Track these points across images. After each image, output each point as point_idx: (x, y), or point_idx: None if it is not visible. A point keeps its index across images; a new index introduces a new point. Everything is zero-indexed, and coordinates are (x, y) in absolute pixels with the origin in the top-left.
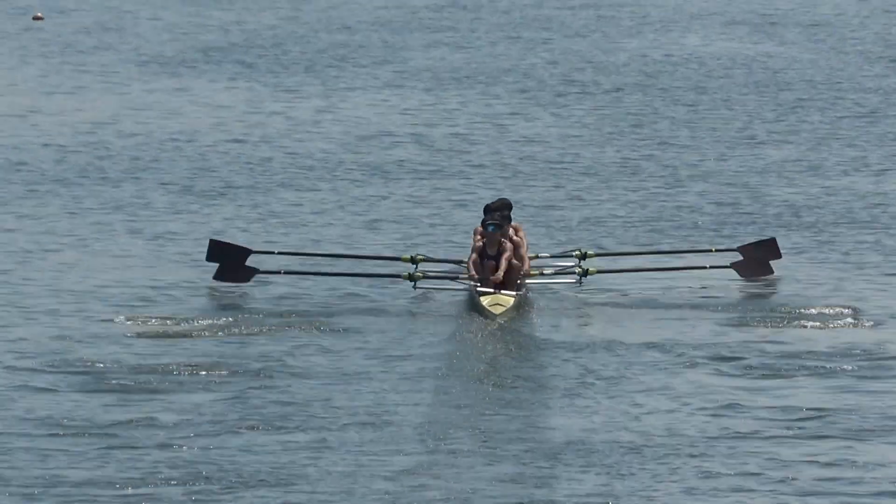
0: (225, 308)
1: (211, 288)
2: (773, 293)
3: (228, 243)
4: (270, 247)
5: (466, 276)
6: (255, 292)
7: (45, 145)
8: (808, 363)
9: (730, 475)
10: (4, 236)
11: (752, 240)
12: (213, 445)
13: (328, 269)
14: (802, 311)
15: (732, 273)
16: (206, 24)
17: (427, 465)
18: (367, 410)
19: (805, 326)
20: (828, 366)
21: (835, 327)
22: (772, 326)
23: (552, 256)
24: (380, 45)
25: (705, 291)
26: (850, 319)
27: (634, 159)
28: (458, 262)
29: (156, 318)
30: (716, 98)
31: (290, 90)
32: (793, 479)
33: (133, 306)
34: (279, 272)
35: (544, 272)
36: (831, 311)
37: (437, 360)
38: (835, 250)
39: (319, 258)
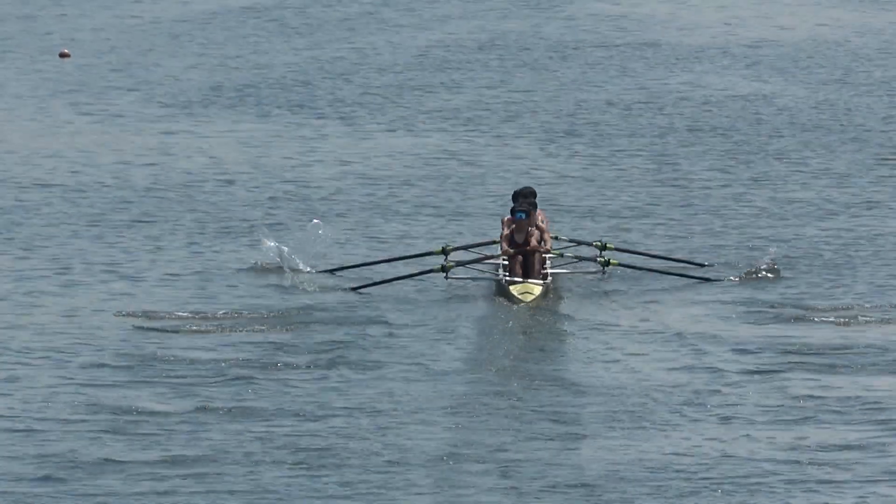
0: (250, 310)
1: (238, 295)
2: (811, 296)
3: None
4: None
5: (497, 256)
6: (280, 294)
7: (66, 183)
8: (857, 383)
9: (767, 476)
10: (18, 273)
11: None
12: (245, 430)
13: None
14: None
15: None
16: (232, 63)
17: (456, 457)
18: (400, 404)
19: (853, 342)
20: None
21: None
22: (813, 333)
23: (571, 241)
24: (403, 84)
25: (742, 287)
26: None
27: (656, 198)
28: (492, 242)
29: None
30: (738, 137)
31: (313, 129)
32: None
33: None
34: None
35: (564, 254)
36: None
37: (469, 349)
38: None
39: (356, 269)
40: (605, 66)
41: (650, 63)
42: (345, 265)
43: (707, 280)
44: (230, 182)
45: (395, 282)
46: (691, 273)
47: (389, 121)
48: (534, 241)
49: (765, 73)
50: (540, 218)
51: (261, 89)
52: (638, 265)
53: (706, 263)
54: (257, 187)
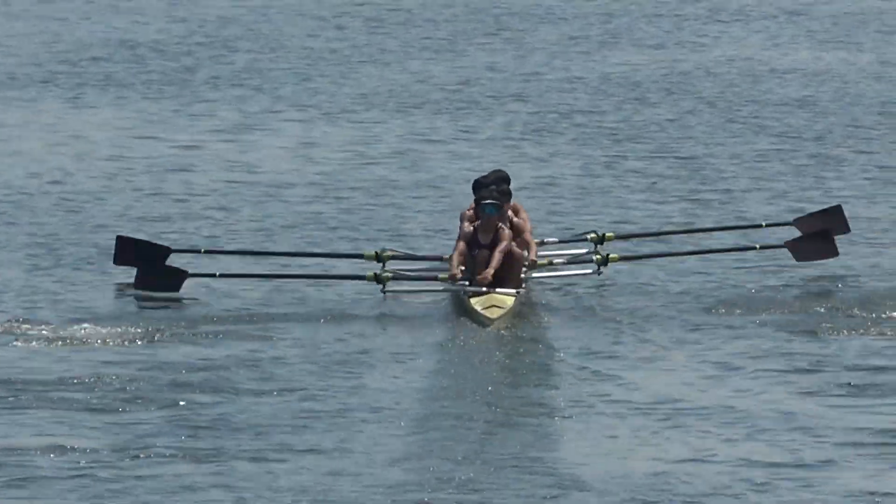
0: (149, 319)
1: (129, 295)
2: (840, 282)
3: (142, 241)
4: (196, 245)
5: (446, 274)
6: (186, 299)
7: None
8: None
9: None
10: None
11: (812, 210)
12: (137, 475)
13: (276, 272)
14: (878, 307)
15: (788, 255)
16: (72, 30)
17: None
18: (327, 445)
19: (881, 329)
20: None
21: None
22: (840, 330)
23: (561, 242)
24: (314, 57)
25: (754, 283)
26: None
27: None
28: (439, 259)
29: (70, 333)
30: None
31: (189, 117)
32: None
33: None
34: (214, 275)
35: (554, 262)
36: None
37: (414, 384)
38: None
39: (260, 257)
40: (584, 37)
41: (643, 33)
42: (246, 251)
43: (733, 250)
44: (72, 192)
45: (311, 282)
46: (716, 247)
47: (297, 107)
48: (499, 252)
49: (790, 40)
50: (521, 215)
51: (117, 63)
52: (646, 253)
53: (761, 223)
54: (107, 195)
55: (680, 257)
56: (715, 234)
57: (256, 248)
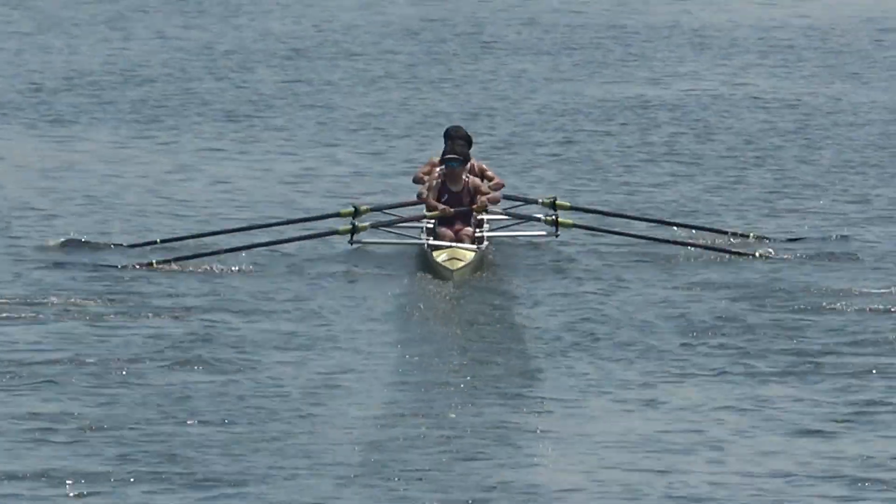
0: (129, 289)
1: (110, 266)
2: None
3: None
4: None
5: (429, 212)
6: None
7: None
8: (851, 356)
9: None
10: None
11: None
12: (126, 430)
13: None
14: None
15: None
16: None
17: (371, 464)
18: (298, 399)
19: (850, 310)
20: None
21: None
22: (802, 308)
23: (514, 198)
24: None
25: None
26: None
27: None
28: (413, 203)
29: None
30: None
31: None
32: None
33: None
34: (171, 261)
35: (510, 212)
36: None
37: (380, 331)
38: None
39: (241, 233)
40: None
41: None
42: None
43: (690, 246)
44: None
45: (284, 245)
46: (680, 238)
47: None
48: (482, 198)
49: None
50: (487, 173)
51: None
52: (599, 227)
53: (730, 231)
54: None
55: (640, 241)
56: (688, 230)
57: (232, 227)
